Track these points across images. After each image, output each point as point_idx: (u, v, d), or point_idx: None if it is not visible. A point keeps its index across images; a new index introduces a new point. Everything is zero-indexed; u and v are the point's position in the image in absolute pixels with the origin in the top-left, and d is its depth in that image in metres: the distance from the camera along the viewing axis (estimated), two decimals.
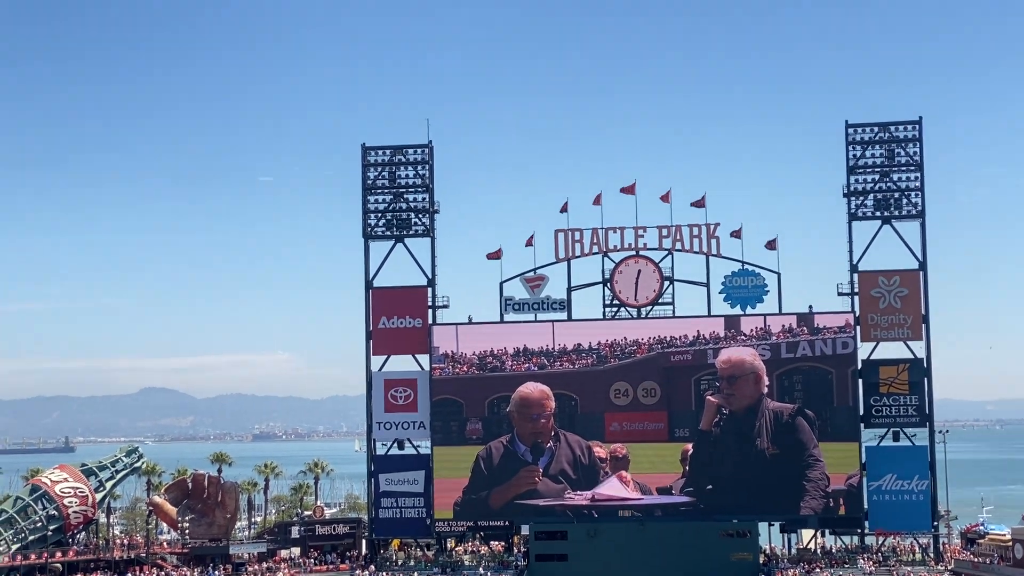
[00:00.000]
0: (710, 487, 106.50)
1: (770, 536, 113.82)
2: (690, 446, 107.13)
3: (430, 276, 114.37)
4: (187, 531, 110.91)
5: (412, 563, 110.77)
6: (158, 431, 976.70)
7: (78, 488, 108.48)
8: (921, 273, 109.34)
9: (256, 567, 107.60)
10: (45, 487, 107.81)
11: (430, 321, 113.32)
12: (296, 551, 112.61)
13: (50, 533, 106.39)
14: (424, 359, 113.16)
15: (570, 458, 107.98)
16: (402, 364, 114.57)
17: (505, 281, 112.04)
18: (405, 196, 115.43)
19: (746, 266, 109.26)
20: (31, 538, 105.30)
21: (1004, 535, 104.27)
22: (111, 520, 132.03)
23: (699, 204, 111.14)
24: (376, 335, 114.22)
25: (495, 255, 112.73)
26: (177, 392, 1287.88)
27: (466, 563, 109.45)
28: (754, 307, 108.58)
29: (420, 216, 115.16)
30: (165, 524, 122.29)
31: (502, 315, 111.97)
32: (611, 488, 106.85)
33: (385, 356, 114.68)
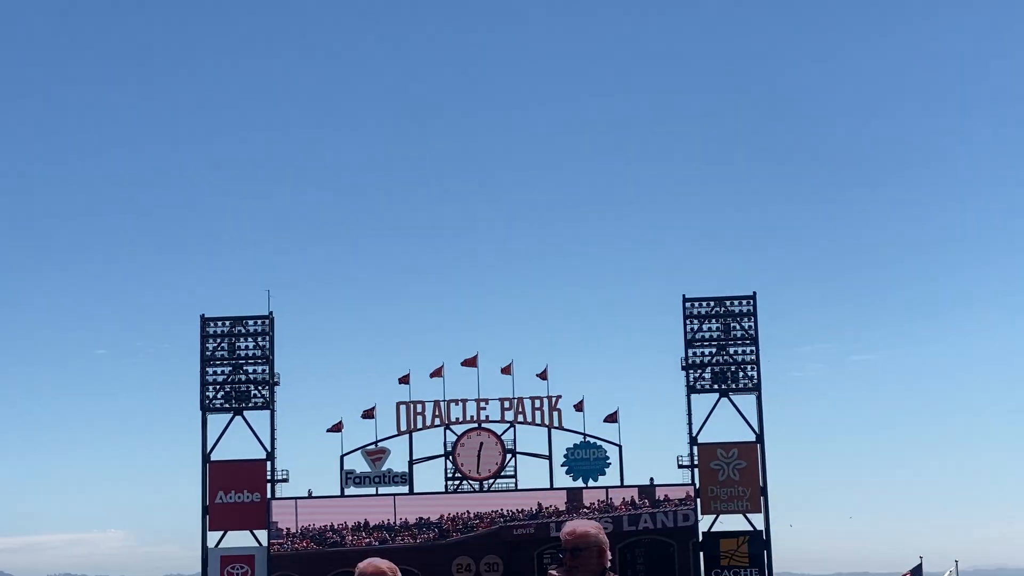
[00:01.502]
0: None
1: None
2: None
3: (269, 449, 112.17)
4: None
5: None
6: None
7: None
8: (759, 445, 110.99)
9: None
10: None
11: (268, 495, 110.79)
12: None
13: None
14: (262, 534, 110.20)
15: None
16: (239, 540, 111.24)
17: (346, 454, 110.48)
18: (245, 368, 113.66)
19: (588, 438, 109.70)
20: None
21: None
22: None
23: (542, 376, 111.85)
24: (212, 510, 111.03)
25: (336, 428, 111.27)
26: (3, 574, 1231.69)
27: None
28: (596, 480, 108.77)
29: (260, 388, 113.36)
30: None
31: (343, 489, 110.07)
32: None
33: (222, 532, 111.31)
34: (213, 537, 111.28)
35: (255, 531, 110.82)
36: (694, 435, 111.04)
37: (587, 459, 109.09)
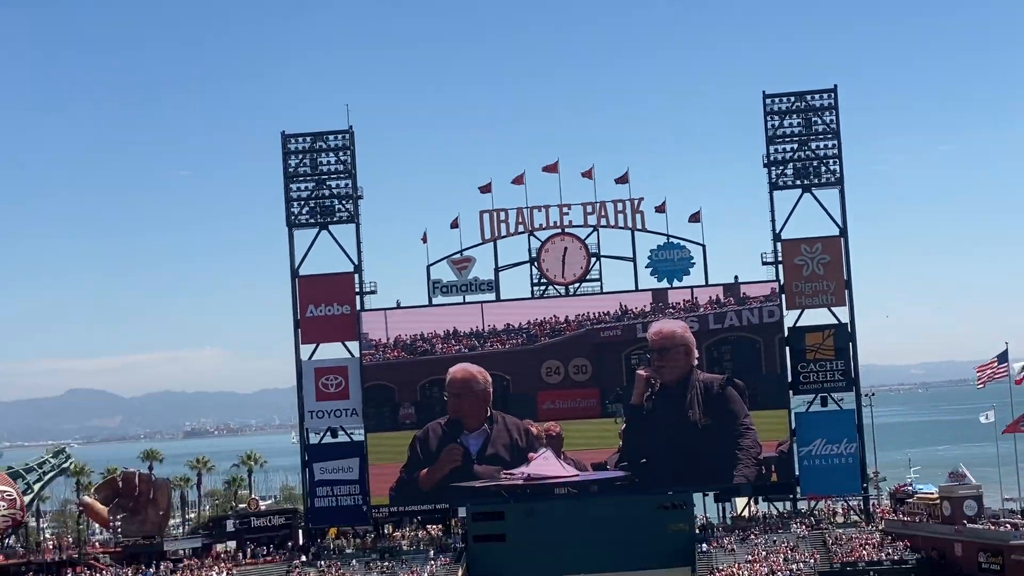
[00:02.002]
0: (644, 460, 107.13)
1: (705, 506, 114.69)
2: (623, 421, 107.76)
3: (356, 262, 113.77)
4: (119, 530, 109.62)
5: (350, 551, 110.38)
6: (86, 433, 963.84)
7: (5, 491, 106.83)
8: (842, 239, 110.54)
9: (192, 562, 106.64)
10: None
11: (358, 307, 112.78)
12: (232, 544, 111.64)
13: None
14: (354, 346, 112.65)
15: (506, 439, 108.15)
16: (332, 352, 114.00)
17: (432, 264, 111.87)
18: (328, 183, 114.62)
19: (671, 239, 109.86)
20: None
21: (932, 494, 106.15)
22: (41, 523, 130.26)
23: (622, 180, 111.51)
24: (304, 324, 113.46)
25: (421, 239, 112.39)
26: (104, 392, 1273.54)
27: (404, 548, 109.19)
28: (680, 280, 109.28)
29: (343, 202, 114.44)
30: (97, 524, 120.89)
31: (430, 298, 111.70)
32: (542, 463, 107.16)
33: (314, 345, 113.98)
34: (306, 350, 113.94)
35: (347, 343, 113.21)
36: (777, 232, 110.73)
37: (671, 260, 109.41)
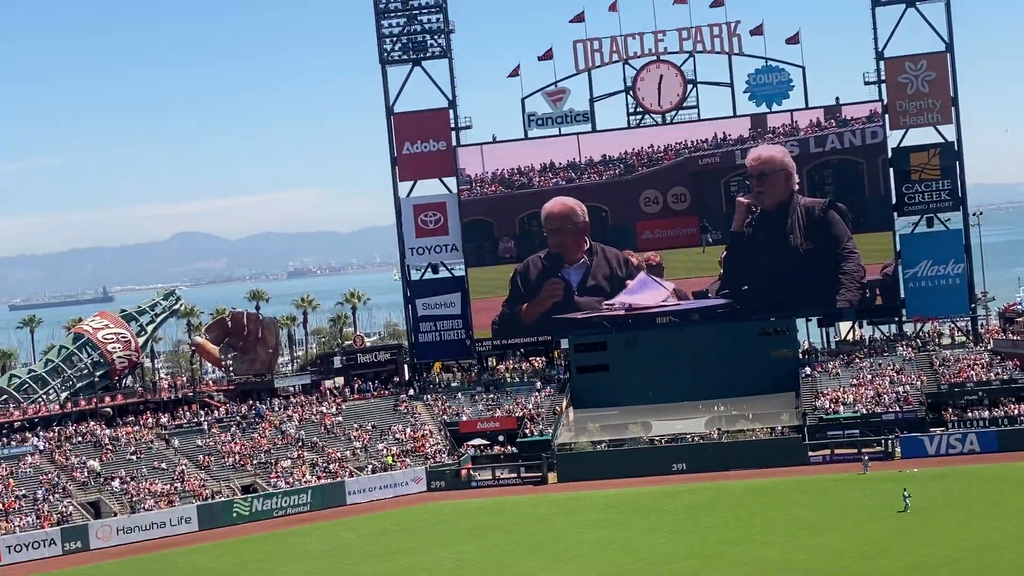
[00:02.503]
0: (746, 287, 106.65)
1: (808, 331, 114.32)
2: (724, 248, 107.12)
3: (450, 98, 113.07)
4: (231, 368, 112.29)
5: (455, 384, 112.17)
6: (193, 275, 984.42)
7: (120, 333, 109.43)
8: (948, 55, 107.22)
9: (301, 399, 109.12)
10: (88, 334, 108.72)
11: (454, 143, 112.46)
12: (339, 381, 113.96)
13: (97, 379, 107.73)
14: (451, 182, 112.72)
15: (606, 270, 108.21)
16: (430, 188, 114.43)
17: (526, 97, 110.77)
18: (419, 18, 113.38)
19: (769, 63, 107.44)
20: (79, 385, 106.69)
21: None
22: (155, 364, 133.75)
23: (717, 3, 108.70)
24: (401, 161, 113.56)
25: (514, 72, 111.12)
26: (209, 235, 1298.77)
27: (508, 380, 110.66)
28: (780, 104, 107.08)
29: (436, 37, 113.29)
30: (209, 364, 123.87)
31: (526, 131, 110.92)
32: (642, 290, 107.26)
33: (412, 182, 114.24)
34: (404, 187, 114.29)
35: (444, 179, 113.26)
36: (880, 50, 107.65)
37: (769, 83, 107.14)
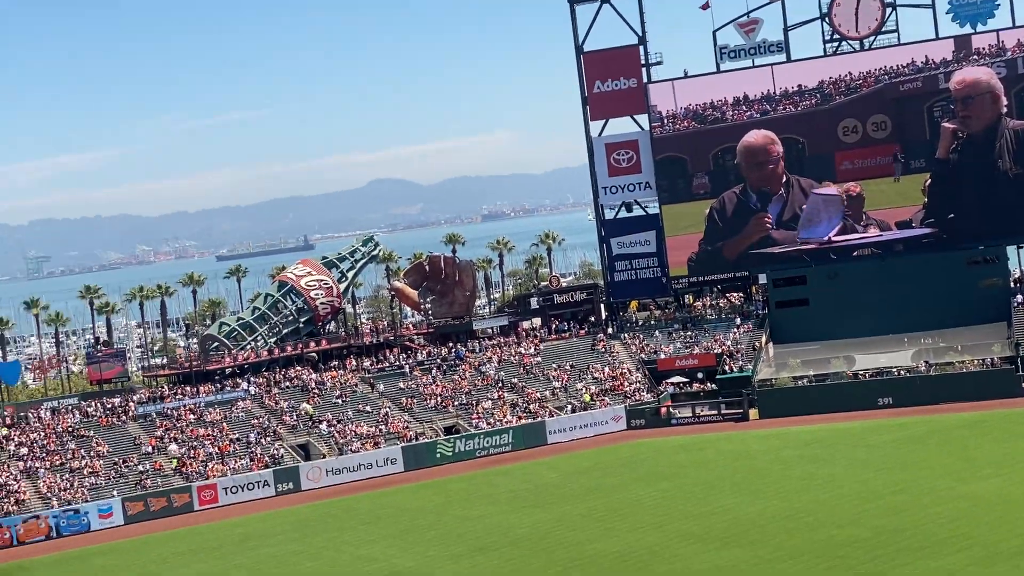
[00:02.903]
0: (952, 216, 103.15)
1: (1020, 259, 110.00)
2: (928, 176, 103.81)
3: (640, 34, 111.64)
4: (430, 312, 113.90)
5: (652, 322, 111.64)
6: (389, 221, 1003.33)
7: (322, 280, 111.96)
8: None
9: (500, 340, 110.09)
10: (291, 282, 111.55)
11: (644, 80, 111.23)
12: (537, 321, 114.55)
13: (301, 325, 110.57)
14: (643, 119, 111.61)
15: (802, 203, 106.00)
16: (621, 126, 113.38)
17: (717, 29, 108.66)
18: None
19: None
20: (285, 331, 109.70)
21: None
22: (356, 309, 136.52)
23: None
24: (592, 100, 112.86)
25: (705, 5, 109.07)
26: (404, 181, 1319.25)
27: (705, 317, 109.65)
28: (985, 23, 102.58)
29: None
30: (408, 308, 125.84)
31: (718, 65, 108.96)
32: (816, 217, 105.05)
33: (603, 120, 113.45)
34: (595, 127, 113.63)
35: (635, 116, 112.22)
36: None
37: (974, 3, 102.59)
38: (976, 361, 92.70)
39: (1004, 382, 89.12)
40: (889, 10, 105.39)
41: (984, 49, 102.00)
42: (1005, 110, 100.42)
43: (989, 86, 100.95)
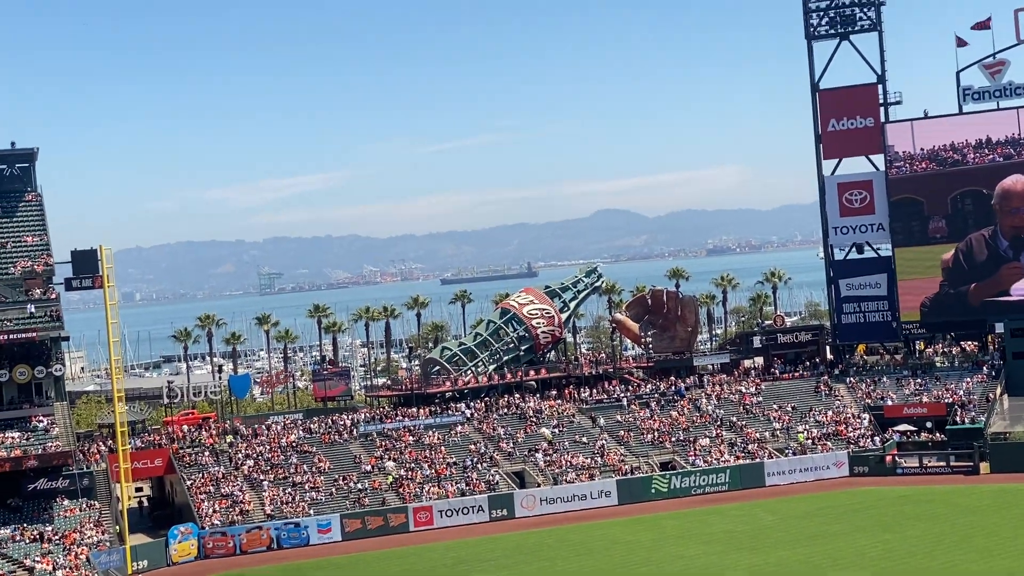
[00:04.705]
0: None
1: None
2: None
3: (879, 72, 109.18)
4: (650, 346, 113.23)
5: (880, 367, 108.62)
6: (613, 251, 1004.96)
7: (544, 309, 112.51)
8: None
9: (720, 377, 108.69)
10: (514, 310, 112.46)
11: (882, 119, 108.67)
12: (759, 360, 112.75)
13: (522, 353, 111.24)
14: (878, 159, 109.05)
15: None
16: (855, 166, 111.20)
17: (962, 70, 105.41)
18: None
19: None
20: (505, 358, 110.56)
21: None
22: (577, 339, 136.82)
23: None
24: (826, 138, 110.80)
25: (961, 43, 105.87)
26: (629, 212, 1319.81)
27: (938, 365, 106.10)
28: None
29: (865, 10, 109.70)
30: (628, 340, 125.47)
31: (960, 106, 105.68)
32: None
33: (836, 160, 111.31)
34: (828, 165, 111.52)
35: (870, 156, 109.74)
36: None
37: None
38: None
39: None
40: None
41: None
42: None
43: None
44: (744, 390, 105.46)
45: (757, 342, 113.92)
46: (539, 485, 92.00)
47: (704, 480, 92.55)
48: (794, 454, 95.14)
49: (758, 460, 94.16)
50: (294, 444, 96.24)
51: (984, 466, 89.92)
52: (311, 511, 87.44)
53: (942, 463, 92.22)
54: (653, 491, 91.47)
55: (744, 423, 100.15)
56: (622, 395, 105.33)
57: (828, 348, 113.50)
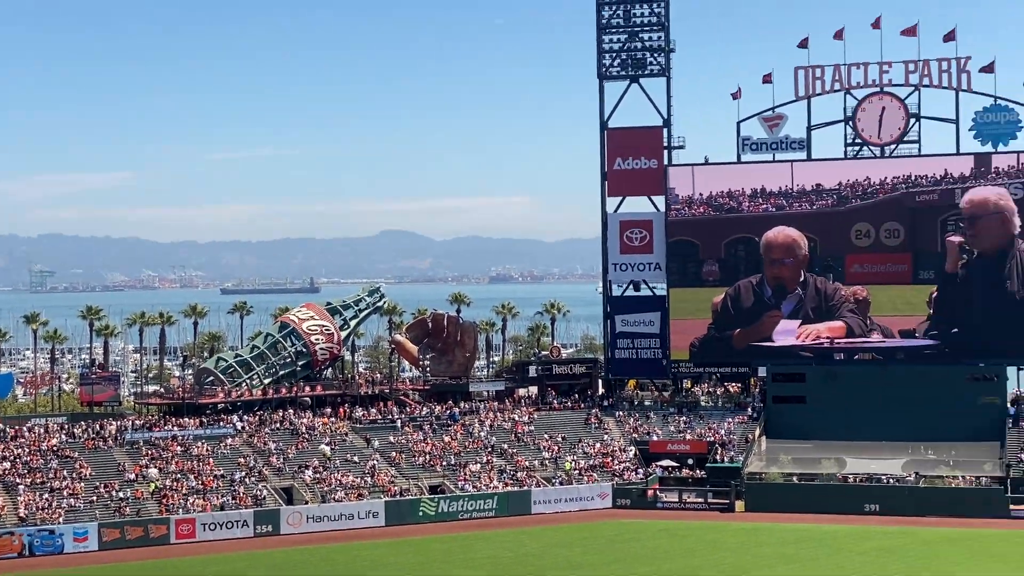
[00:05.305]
0: (956, 330, 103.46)
1: (1019, 380, 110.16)
2: (935, 288, 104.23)
3: (666, 116, 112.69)
4: (428, 369, 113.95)
5: (648, 403, 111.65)
6: (397, 272, 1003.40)
7: (324, 326, 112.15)
8: None
9: (494, 404, 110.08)
10: (293, 324, 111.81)
11: (665, 162, 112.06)
12: (533, 390, 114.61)
13: (299, 368, 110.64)
14: (659, 200, 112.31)
15: (815, 302, 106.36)
16: (637, 206, 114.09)
17: (742, 121, 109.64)
18: (640, 35, 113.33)
19: (999, 101, 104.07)
20: (281, 372, 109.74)
21: None
22: (355, 357, 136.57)
23: (949, 38, 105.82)
24: (611, 176, 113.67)
25: (735, 95, 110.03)
26: (415, 234, 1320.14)
27: (702, 404, 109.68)
28: (1007, 144, 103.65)
29: (655, 55, 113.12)
30: (407, 362, 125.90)
31: (739, 155, 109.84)
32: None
33: (620, 198, 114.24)
34: (612, 203, 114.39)
35: (652, 197, 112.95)
36: None
37: (997, 123, 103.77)
38: (966, 478, 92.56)
39: (992, 502, 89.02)
40: (913, 121, 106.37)
41: (1004, 168, 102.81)
42: (1019, 231, 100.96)
43: (997, 207, 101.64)
44: (517, 418, 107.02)
45: (533, 371, 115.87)
46: (307, 502, 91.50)
47: (472, 505, 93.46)
48: (560, 484, 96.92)
49: (526, 488, 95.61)
50: (55, 448, 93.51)
51: (739, 504, 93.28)
52: (68, 518, 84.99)
53: (700, 499, 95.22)
54: (421, 514, 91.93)
55: (515, 451, 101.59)
56: (397, 416, 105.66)
57: (600, 381, 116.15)
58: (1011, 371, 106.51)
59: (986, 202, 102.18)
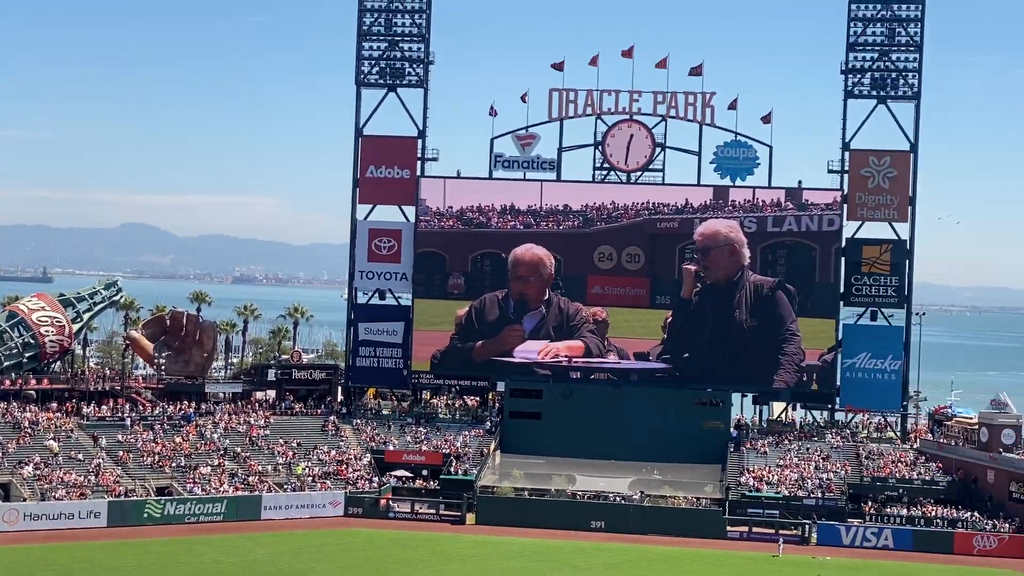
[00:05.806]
0: (687, 355, 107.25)
1: (742, 407, 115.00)
2: (670, 314, 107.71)
3: (421, 127, 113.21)
4: (163, 367, 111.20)
5: (386, 412, 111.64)
6: (137, 267, 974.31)
7: (55, 317, 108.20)
8: (912, 155, 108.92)
9: (230, 407, 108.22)
10: (22, 314, 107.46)
11: (418, 173, 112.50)
12: (272, 393, 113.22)
13: (25, 360, 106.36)
14: (410, 210, 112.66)
15: (557, 321, 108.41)
16: (388, 214, 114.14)
17: (496, 137, 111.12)
18: (400, 45, 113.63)
19: (739, 137, 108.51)
20: (6, 364, 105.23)
21: (971, 419, 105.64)
22: (87, 352, 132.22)
23: (696, 72, 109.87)
24: (363, 183, 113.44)
25: (492, 112, 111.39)
26: (159, 230, 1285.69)
27: (440, 416, 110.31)
28: (744, 179, 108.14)
29: (414, 66, 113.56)
30: (141, 359, 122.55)
31: (491, 171, 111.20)
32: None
33: (371, 205, 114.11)
34: (362, 210, 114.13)
35: (403, 207, 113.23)
36: (847, 141, 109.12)
37: (736, 158, 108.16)
38: (688, 498, 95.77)
39: (710, 523, 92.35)
40: (658, 149, 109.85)
41: (740, 202, 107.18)
42: (748, 262, 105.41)
43: (728, 239, 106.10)
44: (253, 422, 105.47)
45: (272, 375, 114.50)
46: (25, 500, 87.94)
47: (200, 508, 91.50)
48: (293, 490, 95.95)
49: (256, 493, 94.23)
50: None
51: (470, 517, 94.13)
52: None
53: (432, 511, 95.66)
54: (146, 515, 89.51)
55: (248, 455, 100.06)
56: (127, 415, 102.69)
57: (340, 388, 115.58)
58: (735, 397, 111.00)
59: (717, 234, 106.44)
